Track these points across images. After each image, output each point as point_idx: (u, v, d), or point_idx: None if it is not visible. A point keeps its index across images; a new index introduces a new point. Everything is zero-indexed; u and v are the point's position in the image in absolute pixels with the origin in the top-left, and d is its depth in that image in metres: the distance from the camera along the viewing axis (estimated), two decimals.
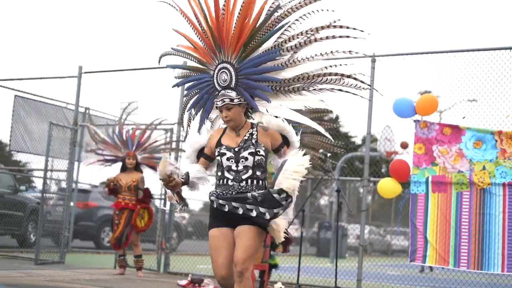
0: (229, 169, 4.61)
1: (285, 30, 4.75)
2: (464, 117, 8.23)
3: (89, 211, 16.10)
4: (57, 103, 13.60)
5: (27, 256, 11.30)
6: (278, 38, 4.75)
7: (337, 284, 8.01)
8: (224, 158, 4.63)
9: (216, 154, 4.69)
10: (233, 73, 4.74)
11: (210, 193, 4.64)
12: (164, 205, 11.08)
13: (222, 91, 4.71)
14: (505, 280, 8.87)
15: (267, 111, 4.80)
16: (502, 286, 9.02)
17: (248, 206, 4.44)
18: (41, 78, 12.58)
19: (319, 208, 33.85)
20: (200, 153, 4.85)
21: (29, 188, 16.96)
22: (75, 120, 11.90)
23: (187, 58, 5.06)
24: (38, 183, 16.34)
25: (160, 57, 5.20)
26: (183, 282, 8.64)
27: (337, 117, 28.96)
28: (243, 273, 4.40)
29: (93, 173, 10.32)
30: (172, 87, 5.23)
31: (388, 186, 8.03)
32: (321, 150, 8.19)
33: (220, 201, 4.53)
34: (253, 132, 4.69)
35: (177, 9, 4.96)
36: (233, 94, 4.68)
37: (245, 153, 4.61)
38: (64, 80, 12.18)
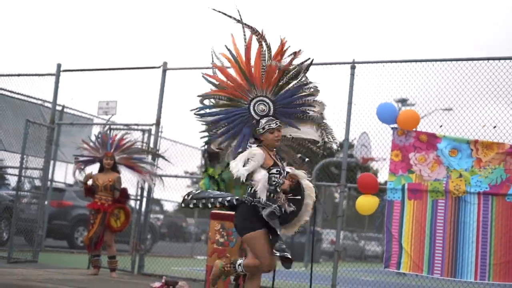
0: (278, 185, 5.48)
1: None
2: (441, 126, 8.31)
3: (63, 210, 15.97)
4: (33, 100, 13.47)
5: (0, 255, 11.18)
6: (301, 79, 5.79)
7: None
8: (280, 177, 5.55)
9: (270, 172, 5.52)
10: (271, 104, 5.72)
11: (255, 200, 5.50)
12: (140, 206, 11.03)
13: (266, 117, 5.68)
14: None
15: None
16: None
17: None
18: (18, 75, 12.47)
19: None
20: None
21: (2, 185, 16.79)
22: (52, 118, 11.81)
23: (218, 98, 5.86)
24: (11, 181, 16.19)
25: (201, 99, 5.99)
26: (157, 284, 8.59)
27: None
28: None
29: (80, 176, 10.20)
30: (199, 116, 5.88)
31: (366, 204, 8.04)
32: (299, 155, 8.20)
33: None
34: (275, 153, 5.76)
35: (227, 49, 5.74)
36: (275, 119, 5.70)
37: (287, 169, 5.75)
38: (41, 78, 12.09)
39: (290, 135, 5.91)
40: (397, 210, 7.94)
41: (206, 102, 6.05)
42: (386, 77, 9.01)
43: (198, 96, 5.91)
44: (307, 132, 5.91)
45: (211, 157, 8.28)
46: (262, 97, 5.71)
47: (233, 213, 7.12)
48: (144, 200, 10.96)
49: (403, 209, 7.91)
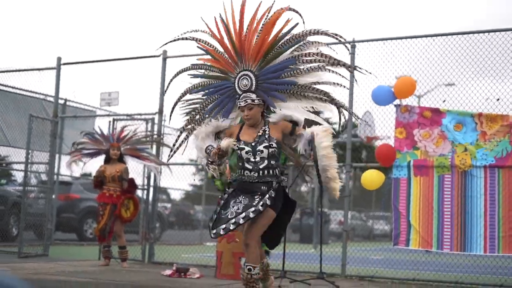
0: (248, 160, 5.46)
1: (300, 46, 5.53)
2: (444, 101, 8.29)
3: (71, 203, 16.03)
4: (35, 95, 13.46)
5: (10, 250, 11.23)
6: (294, 51, 5.54)
7: (322, 270, 8.07)
8: (243, 152, 5.47)
9: (236, 148, 5.48)
10: (253, 78, 5.56)
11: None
12: (147, 195, 11.06)
13: (244, 94, 5.53)
14: (488, 261, 8.96)
15: (281, 110, 5.59)
16: (484, 267, 9.12)
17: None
18: (19, 70, 12.46)
19: (301, 195, 33.97)
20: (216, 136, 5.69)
21: (9, 181, 16.84)
22: (55, 112, 11.82)
23: (208, 69, 5.79)
24: (18, 176, 16.23)
25: (178, 73, 5.93)
26: (168, 271, 8.63)
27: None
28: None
29: (76, 167, 10.23)
30: (191, 93, 5.94)
31: (371, 178, 7.99)
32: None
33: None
34: (266, 129, 5.51)
35: (205, 24, 5.70)
36: (253, 96, 5.51)
37: (260, 147, 5.44)
38: (42, 72, 12.09)
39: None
40: (403, 188, 7.94)
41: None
42: (387, 55, 8.98)
43: (192, 64, 5.85)
44: (297, 110, 5.63)
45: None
46: (246, 71, 5.59)
47: None
48: (151, 189, 10.99)
49: (409, 186, 7.91)
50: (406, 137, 7.99)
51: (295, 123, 5.59)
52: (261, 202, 5.28)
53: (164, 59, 10.85)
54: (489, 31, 8.30)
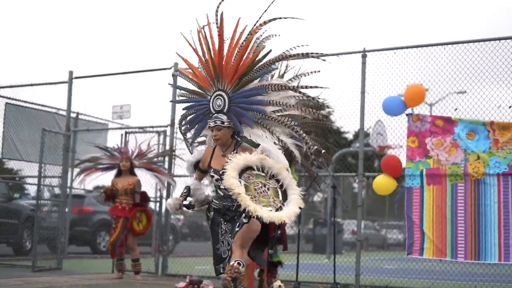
0: (219, 187, 5.64)
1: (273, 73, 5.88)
2: (456, 109, 8.26)
3: (84, 216, 16.06)
4: (48, 109, 13.53)
5: (24, 264, 11.27)
6: (264, 80, 5.73)
7: (336, 280, 8.04)
8: (214, 179, 5.68)
9: (208, 173, 5.76)
10: (226, 100, 5.67)
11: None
12: (160, 207, 11.07)
13: (216, 114, 5.65)
14: (502, 269, 8.89)
15: (250, 136, 5.71)
16: (499, 275, 9.05)
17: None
18: (31, 85, 12.53)
19: (314, 205, 33.88)
20: (196, 166, 5.93)
21: (22, 195, 16.90)
22: (67, 126, 11.87)
23: (189, 81, 5.96)
24: (31, 190, 16.30)
25: (172, 76, 6.49)
26: (182, 284, 8.61)
27: (328, 113, 28.94)
28: None
29: (88, 181, 10.29)
30: (170, 101, 6.52)
31: (383, 183, 7.98)
32: (315, 147, 8.16)
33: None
34: (234, 155, 5.50)
35: (185, 38, 5.85)
36: (224, 118, 5.64)
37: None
38: (55, 86, 12.14)
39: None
40: (416, 196, 7.91)
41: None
42: (397, 64, 8.97)
43: (172, 74, 6.10)
44: (262, 138, 5.68)
45: None
46: (220, 92, 5.70)
47: None
48: (164, 201, 10.99)
49: (422, 195, 7.88)
50: (418, 146, 7.97)
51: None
52: (238, 223, 5.45)
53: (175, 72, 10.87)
54: (500, 39, 8.29)
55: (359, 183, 9.28)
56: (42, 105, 13.10)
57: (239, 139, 5.78)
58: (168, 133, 10.93)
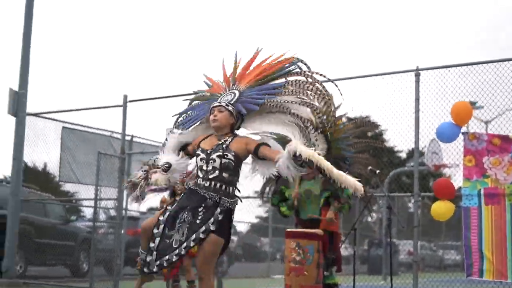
0: (200, 168, 5.18)
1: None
2: None
3: (139, 238, 16.16)
4: (103, 132, 13.77)
5: (81, 286, 11.41)
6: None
7: None
8: (198, 159, 5.21)
9: (195, 154, 5.29)
10: (237, 94, 5.34)
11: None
12: None
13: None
14: None
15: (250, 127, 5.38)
16: None
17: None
18: (87, 109, 12.76)
19: (368, 225, 33.54)
20: (183, 148, 5.53)
21: (78, 217, 17.20)
22: (122, 149, 12.03)
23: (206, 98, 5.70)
24: (87, 213, 16.55)
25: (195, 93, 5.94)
26: None
27: (381, 133, 28.71)
28: None
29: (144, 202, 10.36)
30: (173, 116, 5.84)
31: (441, 209, 7.88)
32: (369, 167, 8.09)
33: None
34: (228, 139, 5.20)
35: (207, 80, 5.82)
36: (229, 98, 5.31)
37: (214, 155, 5.11)
38: (109, 109, 12.34)
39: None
40: (474, 217, 7.74)
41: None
42: (452, 82, 8.85)
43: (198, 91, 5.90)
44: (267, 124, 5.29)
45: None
46: (234, 90, 5.42)
47: (308, 230, 7.09)
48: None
49: (480, 215, 7.71)
50: (475, 164, 7.82)
51: (263, 143, 5.13)
52: (203, 228, 5.19)
53: None
54: None
55: (414, 203, 9.13)
56: (98, 129, 13.34)
57: (238, 133, 5.38)
58: None
